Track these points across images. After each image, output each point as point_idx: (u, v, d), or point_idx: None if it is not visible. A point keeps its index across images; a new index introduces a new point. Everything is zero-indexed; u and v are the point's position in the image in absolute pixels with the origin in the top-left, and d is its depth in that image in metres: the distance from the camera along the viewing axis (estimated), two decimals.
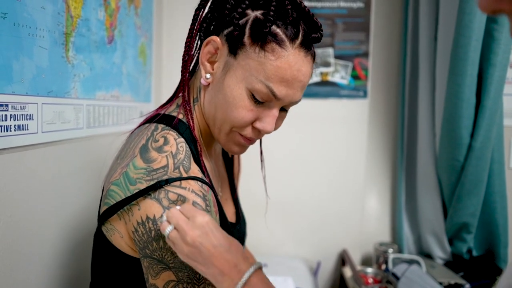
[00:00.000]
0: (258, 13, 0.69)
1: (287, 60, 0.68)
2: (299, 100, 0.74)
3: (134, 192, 0.64)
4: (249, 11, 0.69)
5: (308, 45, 0.71)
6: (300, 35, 0.69)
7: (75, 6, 0.95)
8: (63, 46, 0.91)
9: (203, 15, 0.77)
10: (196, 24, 0.76)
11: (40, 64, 0.82)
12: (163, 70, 1.71)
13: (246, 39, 0.69)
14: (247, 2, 0.69)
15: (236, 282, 0.56)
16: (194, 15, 0.77)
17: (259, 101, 0.70)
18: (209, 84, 0.74)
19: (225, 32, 0.71)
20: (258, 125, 0.73)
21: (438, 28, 1.52)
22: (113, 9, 1.18)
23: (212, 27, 0.76)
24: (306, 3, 1.74)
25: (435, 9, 1.55)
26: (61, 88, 0.91)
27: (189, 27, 0.77)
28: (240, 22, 0.69)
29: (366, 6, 1.73)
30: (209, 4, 0.76)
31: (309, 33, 0.71)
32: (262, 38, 0.67)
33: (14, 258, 0.78)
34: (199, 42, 0.78)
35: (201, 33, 0.77)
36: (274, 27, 0.68)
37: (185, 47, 0.77)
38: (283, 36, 0.68)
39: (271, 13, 0.67)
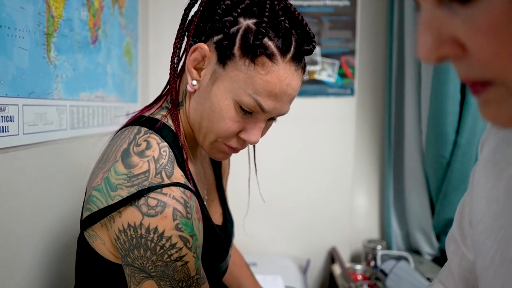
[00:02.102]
0: (250, 22, 0.67)
1: (277, 75, 0.67)
2: (287, 112, 0.74)
3: (115, 198, 0.62)
4: (241, 19, 0.67)
5: (299, 58, 0.70)
6: (292, 48, 0.68)
7: (56, 6, 0.94)
8: (44, 46, 0.89)
9: (193, 14, 0.75)
10: (185, 24, 0.75)
11: (20, 65, 0.81)
12: (150, 69, 1.70)
13: (236, 50, 0.67)
14: (239, 10, 0.67)
15: None
16: (184, 14, 0.75)
17: (246, 111, 0.69)
18: (195, 90, 0.73)
19: (215, 39, 0.69)
20: (243, 135, 0.72)
21: None
22: (97, 9, 1.17)
23: (201, 30, 0.74)
24: (292, 1, 1.74)
25: None
26: (43, 89, 0.90)
27: (177, 27, 0.75)
28: (231, 30, 0.67)
29: (352, 4, 1.74)
30: (199, 2, 0.73)
31: (301, 45, 0.70)
32: (253, 51, 0.66)
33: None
34: (187, 44, 0.75)
35: (189, 34, 0.74)
36: (266, 39, 0.66)
37: (174, 48, 0.75)
38: (274, 50, 0.66)
39: (264, 24, 0.65)
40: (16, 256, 0.83)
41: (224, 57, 0.68)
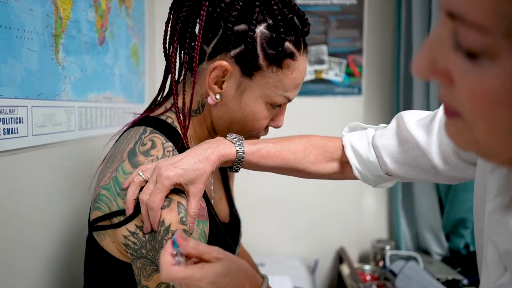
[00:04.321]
0: (262, 28, 0.69)
1: (299, 68, 0.73)
2: None
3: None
4: (253, 27, 0.68)
5: (305, 44, 0.74)
6: (302, 41, 0.73)
7: (64, 7, 0.94)
8: (52, 48, 0.90)
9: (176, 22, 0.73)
10: (174, 34, 0.73)
11: (29, 66, 0.81)
12: (157, 70, 1.70)
13: (262, 62, 0.70)
14: (250, 18, 0.67)
15: None
16: (173, 22, 0.73)
17: (276, 106, 0.75)
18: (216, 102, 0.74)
19: (232, 53, 0.70)
20: (272, 124, 0.79)
21: (431, 22, 1.52)
22: (104, 10, 1.17)
23: (207, 40, 0.72)
24: (299, 0, 1.73)
25: (428, 4, 1.55)
26: (52, 90, 0.90)
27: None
28: (249, 42, 0.68)
29: (359, 2, 1.73)
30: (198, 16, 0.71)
31: (303, 32, 0.73)
32: (278, 58, 0.70)
33: (5, 264, 0.77)
34: (195, 58, 0.72)
35: (195, 46, 0.71)
36: (286, 43, 0.70)
37: (171, 62, 0.74)
38: (293, 49, 0.71)
39: (278, 28, 0.68)
40: (25, 259, 0.83)
41: (249, 69, 0.70)
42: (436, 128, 0.65)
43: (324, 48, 1.75)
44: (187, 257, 0.53)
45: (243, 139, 0.71)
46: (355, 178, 0.78)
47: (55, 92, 0.92)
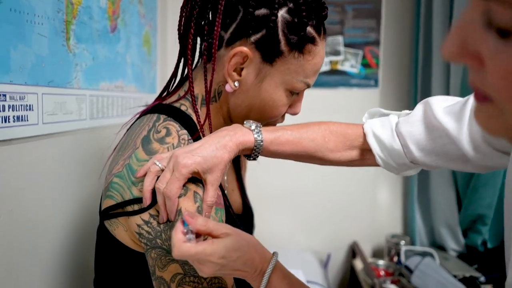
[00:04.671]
0: (283, 12, 0.67)
1: (320, 54, 0.71)
2: None
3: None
4: (274, 11, 0.66)
5: (325, 29, 0.72)
6: (321, 26, 0.71)
7: None
8: (63, 34, 0.87)
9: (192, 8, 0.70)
10: (191, 19, 0.70)
11: (40, 52, 0.79)
12: (168, 60, 1.68)
13: (284, 47, 0.68)
14: (270, 2, 0.66)
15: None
16: (189, 8, 0.70)
17: (295, 93, 0.74)
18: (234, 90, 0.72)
19: (253, 39, 0.68)
20: (289, 111, 0.78)
21: (453, 12, 1.46)
22: None
23: (225, 26, 0.69)
24: None
25: None
26: (63, 78, 0.88)
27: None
28: (270, 27, 0.66)
29: None
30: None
31: (322, 17, 0.71)
32: (300, 44, 0.68)
33: (15, 254, 0.75)
34: (215, 44, 0.70)
35: (214, 31, 0.69)
36: (308, 28, 0.68)
37: (184, 44, 0.72)
38: (314, 34, 0.69)
39: (299, 12, 0.66)
40: (35, 250, 0.82)
41: (270, 55, 0.68)
42: (467, 115, 0.62)
43: (340, 39, 1.71)
44: (198, 236, 0.54)
45: (261, 126, 0.69)
46: (375, 165, 0.75)
47: (66, 80, 0.90)
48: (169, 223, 0.61)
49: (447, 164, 0.68)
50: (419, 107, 0.70)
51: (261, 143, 0.67)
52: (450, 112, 0.64)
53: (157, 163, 0.61)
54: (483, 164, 0.65)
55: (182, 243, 0.52)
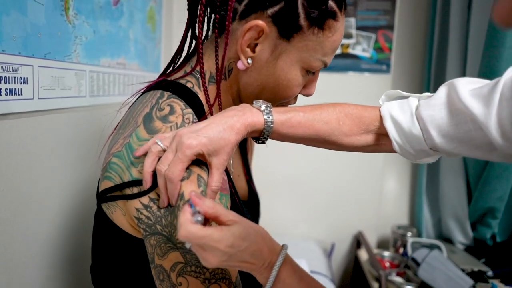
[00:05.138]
0: None
1: (340, 30, 0.66)
2: None
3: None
4: None
5: (345, 3, 0.67)
6: (342, 0, 0.66)
7: None
8: (62, 3, 0.81)
9: None
10: None
11: (36, 21, 0.73)
12: (174, 38, 1.61)
13: (303, 22, 0.62)
14: None
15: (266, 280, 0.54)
16: None
17: (311, 72, 0.69)
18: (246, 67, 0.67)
19: (270, 12, 0.62)
20: (303, 91, 0.73)
21: None
22: None
23: None
24: None
25: None
26: (61, 50, 0.83)
27: None
28: (288, 0, 0.61)
29: None
30: None
31: None
32: (321, 19, 0.63)
33: (6, 238, 0.71)
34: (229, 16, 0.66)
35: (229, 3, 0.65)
36: (329, 2, 0.63)
37: (193, 14, 0.67)
38: (336, 8, 0.64)
39: None
40: (28, 232, 0.77)
41: (288, 31, 0.63)
42: (497, 99, 0.56)
43: (352, 21, 1.64)
44: (205, 222, 0.51)
45: (271, 106, 0.64)
46: (390, 151, 0.70)
47: (64, 53, 0.84)
48: (170, 208, 0.56)
49: (471, 152, 0.63)
50: (443, 89, 0.64)
51: (271, 125, 0.62)
52: (478, 95, 0.59)
53: (159, 142, 0.56)
54: (510, 153, 0.59)
55: (189, 223, 0.48)
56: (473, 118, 0.59)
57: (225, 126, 0.57)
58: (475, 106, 0.58)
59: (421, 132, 0.64)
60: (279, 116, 0.63)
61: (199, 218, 0.49)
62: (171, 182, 0.54)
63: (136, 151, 0.57)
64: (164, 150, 0.56)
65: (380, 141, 0.71)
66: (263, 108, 0.62)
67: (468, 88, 0.61)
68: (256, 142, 0.66)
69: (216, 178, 0.57)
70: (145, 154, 0.57)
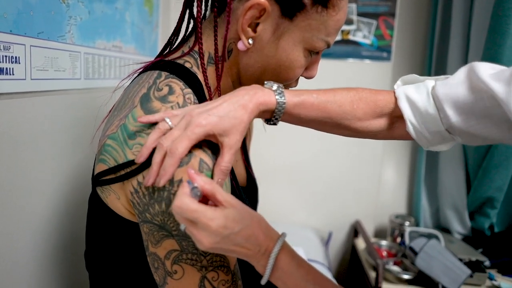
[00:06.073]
0: None
1: (344, 9, 0.64)
2: None
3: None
4: None
5: None
6: None
7: None
8: None
9: None
10: None
11: None
12: (171, 22, 1.58)
13: (306, 0, 0.60)
14: None
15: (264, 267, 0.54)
16: None
17: (314, 53, 0.67)
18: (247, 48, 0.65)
19: None
20: (305, 74, 0.71)
21: None
22: None
23: None
24: None
25: None
26: (54, 30, 0.80)
27: None
28: None
29: None
30: None
31: None
32: None
33: None
34: None
35: None
36: None
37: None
38: None
39: None
40: (20, 218, 0.76)
41: (291, 9, 0.61)
42: None
43: (353, 7, 1.61)
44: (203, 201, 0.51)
45: (283, 87, 0.62)
46: (404, 136, 0.67)
47: (58, 33, 0.81)
48: (155, 195, 0.53)
49: (488, 130, 0.60)
50: (462, 70, 0.62)
51: (284, 105, 0.60)
52: (498, 75, 0.57)
53: (168, 120, 0.54)
54: None
55: (185, 195, 0.48)
56: (493, 95, 0.56)
57: (236, 106, 0.56)
58: (496, 84, 0.56)
59: (437, 111, 0.62)
60: (292, 98, 0.61)
61: (198, 193, 0.49)
62: (172, 156, 0.51)
63: (141, 117, 0.55)
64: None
65: (394, 125, 0.68)
66: (274, 88, 0.61)
67: (488, 71, 0.59)
68: (267, 123, 0.64)
69: (227, 159, 0.55)
70: (139, 135, 0.55)
